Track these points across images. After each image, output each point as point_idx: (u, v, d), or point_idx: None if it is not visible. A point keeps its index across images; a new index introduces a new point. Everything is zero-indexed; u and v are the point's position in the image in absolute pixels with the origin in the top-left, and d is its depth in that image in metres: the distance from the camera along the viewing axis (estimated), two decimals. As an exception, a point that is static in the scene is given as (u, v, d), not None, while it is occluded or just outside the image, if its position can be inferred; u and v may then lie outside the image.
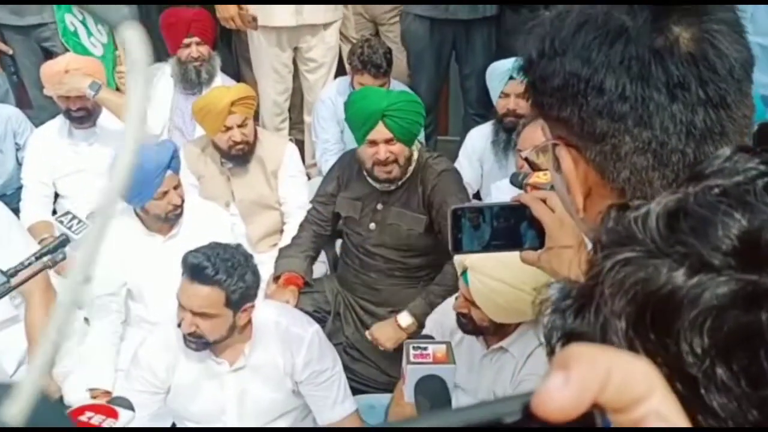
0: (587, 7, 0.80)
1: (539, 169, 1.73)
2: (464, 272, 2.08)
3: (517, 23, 3.62)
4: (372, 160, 2.76)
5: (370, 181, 2.86)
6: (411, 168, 2.84)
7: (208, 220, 2.90)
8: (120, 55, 3.73)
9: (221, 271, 2.19)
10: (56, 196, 3.48)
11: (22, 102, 4.17)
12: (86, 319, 2.88)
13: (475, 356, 2.23)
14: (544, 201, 1.16)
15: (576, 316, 0.48)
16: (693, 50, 0.76)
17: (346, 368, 2.63)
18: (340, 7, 3.97)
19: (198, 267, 2.19)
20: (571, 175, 0.84)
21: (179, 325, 2.26)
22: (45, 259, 2.04)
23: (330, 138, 3.74)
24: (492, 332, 2.16)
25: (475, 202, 1.13)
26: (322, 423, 2.46)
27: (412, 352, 1.70)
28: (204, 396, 2.39)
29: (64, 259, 2.10)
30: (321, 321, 2.92)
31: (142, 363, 2.39)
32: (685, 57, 0.76)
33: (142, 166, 2.69)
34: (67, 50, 3.67)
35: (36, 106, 4.07)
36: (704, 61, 0.76)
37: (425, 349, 1.72)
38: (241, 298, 2.23)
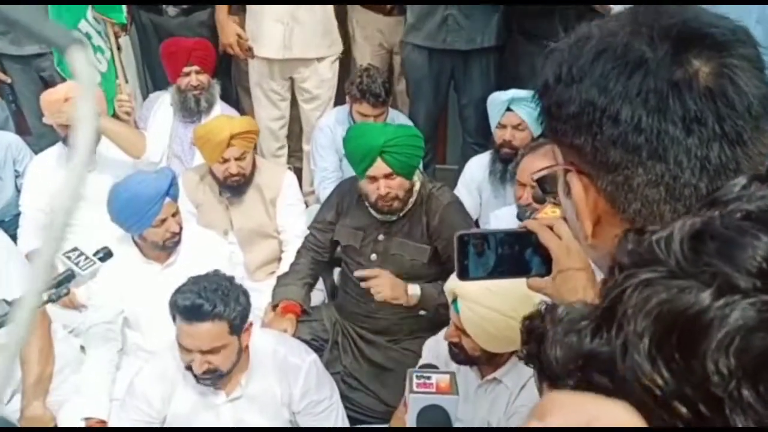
0: (607, 36, 0.79)
1: (549, 194, 1.71)
2: (454, 300, 2.07)
3: (528, 50, 3.65)
4: (375, 195, 2.76)
5: (372, 211, 2.86)
6: (412, 199, 2.84)
7: (206, 248, 2.89)
8: (120, 84, 3.76)
9: (218, 303, 2.18)
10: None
11: (22, 129, 4.19)
12: (82, 347, 2.87)
13: (470, 386, 2.22)
14: (551, 228, 1.16)
15: (594, 336, 0.48)
16: (712, 85, 0.75)
17: (344, 397, 2.62)
18: (336, 42, 3.99)
19: (193, 307, 2.17)
20: (580, 202, 0.84)
21: (189, 368, 2.24)
22: (49, 291, 2.04)
23: (328, 166, 3.75)
24: (484, 362, 2.15)
25: (481, 229, 1.13)
26: (319, 454, 2.44)
27: (415, 380, 1.70)
28: (200, 426, 2.37)
29: (67, 293, 2.11)
30: (319, 350, 2.90)
31: (137, 392, 2.37)
32: (703, 91, 0.75)
33: (140, 193, 2.69)
34: (65, 79, 3.69)
35: (35, 134, 4.08)
36: (722, 96, 0.75)
37: (429, 378, 1.72)
38: (242, 321, 2.24)
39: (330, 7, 3.92)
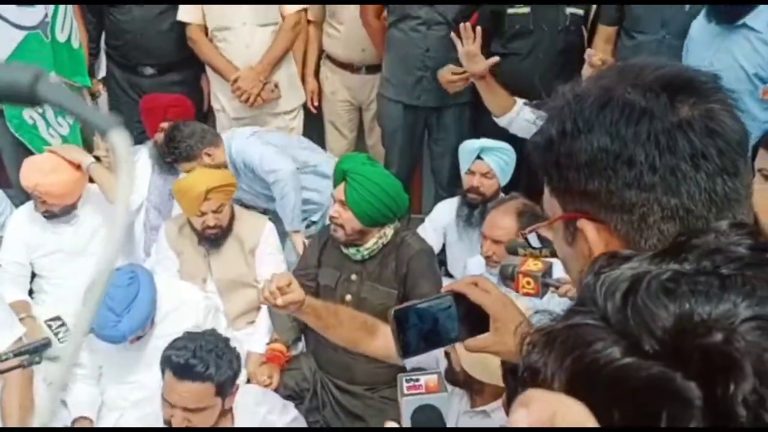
0: (605, 91, 0.87)
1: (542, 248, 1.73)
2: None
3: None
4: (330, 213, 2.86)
5: (343, 249, 2.90)
6: (379, 242, 2.87)
7: (182, 307, 2.94)
8: (97, 141, 3.80)
9: (211, 364, 2.16)
10: (33, 275, 3.49)
11: (2, 182, 4.18)
12: (63, 402, 2.87)
13: (459, 411, 2.24)
14: (476, 284, 1.21)
15: (531, 354, 0.57)
16: (708, 124, 0.84)
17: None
18: (300, 93, 4.13)
19: (187, 365, 2.15)
20: (596, 246, 0.88)
21: (168, 423, 2.22)
22: (22, 357, 2.05)
23: None
24: (477, 391, 2.18)
25: (413, 302, 1.23)
26: None
27: (405, 384, 1.77)
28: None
29: (39, 362, 2.10)
30: (300, 398, 2.94)
31: None
32: (703, 130, 0.83)
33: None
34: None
35: (16, 187, 4.07)
36: (719, 134, 0.84)
37: (417, 380, 1.79)
38: (230, 385, 2.23)
39: (292, 60, 4.09)
